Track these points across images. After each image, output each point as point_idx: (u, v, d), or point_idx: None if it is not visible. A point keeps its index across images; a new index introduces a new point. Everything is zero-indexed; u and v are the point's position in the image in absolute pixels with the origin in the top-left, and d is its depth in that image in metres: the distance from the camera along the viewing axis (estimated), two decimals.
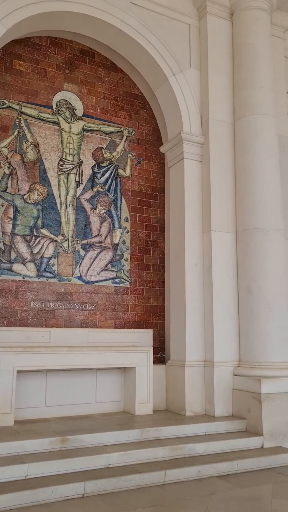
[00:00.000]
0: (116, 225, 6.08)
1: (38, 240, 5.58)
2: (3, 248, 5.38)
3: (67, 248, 5.73)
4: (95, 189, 6.01)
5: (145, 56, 5.86)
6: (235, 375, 5.27)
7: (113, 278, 5.95)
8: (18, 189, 5.56)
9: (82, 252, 5.81)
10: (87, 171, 6.01)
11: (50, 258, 5.62)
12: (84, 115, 6.09)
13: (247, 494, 3.70)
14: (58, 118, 5.92)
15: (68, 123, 5.97)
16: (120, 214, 6.13)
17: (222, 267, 5.52)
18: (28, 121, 5.73)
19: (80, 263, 5.78)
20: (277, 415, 4.81)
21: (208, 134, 5.77)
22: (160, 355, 6.07)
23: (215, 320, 5.36)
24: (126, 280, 6.02)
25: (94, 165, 6.07)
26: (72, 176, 5.90)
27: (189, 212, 5.68)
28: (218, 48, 6.01)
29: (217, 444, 4.50)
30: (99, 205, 6.00)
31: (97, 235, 5.94)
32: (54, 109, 5.92)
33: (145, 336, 5.91)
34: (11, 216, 5.48)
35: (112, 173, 6.17)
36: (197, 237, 5.68)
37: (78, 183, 5.92)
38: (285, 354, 5.19)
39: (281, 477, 4.13)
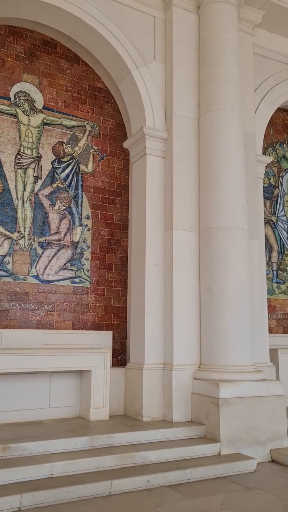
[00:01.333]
0: (77, 223, 5.85)
1: None
2: None
3: (23, 246, 5.48)
4: (54, 185, 5.78)
5: (108, 48, 5.65)
6: (195, 378, 5.08)
7: (72, 278, 5.72)
8: None
9: (40, 250, 5.57)
10: (46, 166, 5.77)
11: (4, 256, 5.36)
12: (44, 107, 5.86)
13: (196, 505, 3.50)
14: (16, 110, 5.67)
15: (27, 115, 5.73)
16: (81, 211, 5.91)
17: (183, 266, 5.33)
18: None
19: (37, 262, 5.54)
20: (236, 421, 4.63)
21: (171, 129, 5.59)
22: (121, 357, 5.86)
23: (175, 321, 5.17)
24: (86, 279, 5.80)
25: (54, 160, 5.84)
26: (30, 171, 5.65)
27: (151, 210, 5.48)
28: (183, 41, 5.84)
29: (171, 451, 4.30)
30: (58, 201, 5.77)
31: (56, 232, 5.71)
32: (12, 100, 5.67)
33: (105, 338, 5.69)
34: None
35: (74, 169, 5.94)
36: (158, 235, 5.48)
37: (36, 178, 5.68)
38: (246, 357, 5.02)
39: (234, 486, 3.95)
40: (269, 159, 6.43)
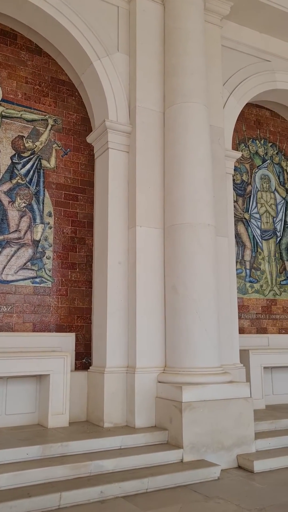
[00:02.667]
0: (38, 220, 5.60)
1: None
2: None
3: None
4: (14, 181, 5.52)
5: (68, 39, 5.43)
6: (159, 382, 4.86)
7: (33, 278, 5.46)
8: None
9: None
10: (5, 161, 5.51)
11: None
12: (3, 100, 5.60)
13: None
14: None
15: None
16: (43, 209, 5.66)
17: (148, 265, 5.12)
18: None
19: None
20: (200, 426, 4.42)
21: (135, 122, 5.38)
22: (86, 360, 5.61)
23: (138, 322, 4.95)
24: (47, 279, 5.55)
25: (14, 155, 5.58)
26: None
27: (113, 206, 5.26)
28: (148, 32, 5.64)
29: (130, 459, 4.06)
30: (18, 198, 5.51)
31: (16, 230, 5.45)
32: None
33: (67, 340, 5.45)
34: None
35: (35, 164, 5.70)
36: (122, 233, 5.26)
37: None
38: (212, 359, 4.82)
39: (194, 495, 3.73)
40: (238, 154, 6.25)
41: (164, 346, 5.04)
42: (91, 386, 5.11)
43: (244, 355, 6.14)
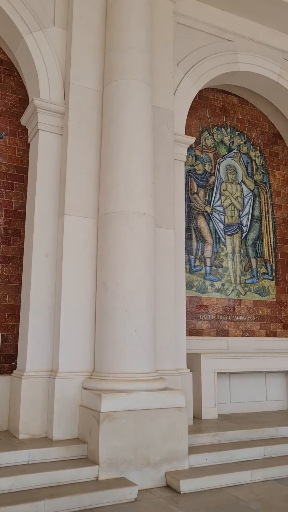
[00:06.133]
0: None
1: None
2: None
3: None
4: None
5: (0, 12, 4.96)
6: (84, 388, 4.35)
7: None
8: None
9: None
10: None
11: None
12: None
13: None
14: None
15: None
16: None
17: (77, 258, 4.62)
18: None
19: None
20: (121, 439, 3.90)
21: (69, 102, 4.89)
22: (15, 363, 5.12)
23: (63, 322, 4.45)
24: None
25: None
26: None
27: (42, 194, 4.77)
28: (88, 5, 5.15)
29: (33, 477, 3.56)
30: None
31: None
32: None
33: None
34: None
35: None
36: (51, 223, 4.77)
37: None
38: (142, 363, 4.29)
39: None
40: (191, 140, 5.71)
41: (94, 349, 4.54)
42: (13, 392, 4.61)
43: (196, 360, 5.62)
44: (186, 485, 3.85)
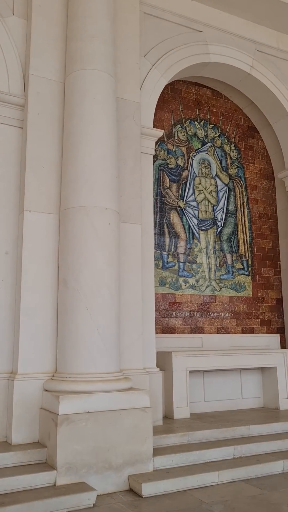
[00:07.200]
0: None
1: None
2: None
3: None
4: None
5: None
6: (45, 390, 4.19)
7: None
8: None
9: None
10: None
11: None
12: None
13: None
14: None
15: None
16: None
17: (38, 255, 4.46)
18: None
19: None
20: (81, 442, 3.74)
21: (29, 94, 4.72)
22: None
23: (22, 321, 4.29)
24: None
25: None
26: None
27: (1, 189, 4.61)
28: None
29: None
30: None
31: None
32: None
33: None
34: None
35: None
36: (12, 219, 4.60)
37: None
38: (105, 363, 4.14)
39: None
40: (159, 133, 5.57)
41: (56, 349, 4.38)
42: None
43: (167, 358, 5.48)
44: (148, 489, 3.71)
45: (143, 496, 3.68)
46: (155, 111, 6.45)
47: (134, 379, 4.61)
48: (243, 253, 6.90)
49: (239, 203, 7.04)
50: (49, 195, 4.61)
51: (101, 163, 4.48)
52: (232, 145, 7.19)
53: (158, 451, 4.19)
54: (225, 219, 6.85)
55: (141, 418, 4.04)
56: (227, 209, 6.91)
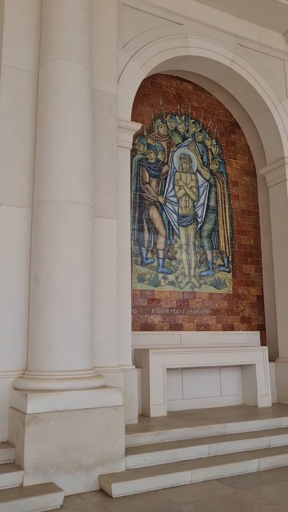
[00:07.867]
0: None
1: None
2: None
3: None
4: None
5: None
6: (15, 388, 4.08)
7: None
8: None
9: None
10: None
11: None
12: None
13: None
14: None
15: None
16: None
17: (8, 250, 4.34)
18: None
19: None
20: (49, 442, 3.64)
21: (1, 84, 4.59)
22: None
23: None
24: None
25: None
26: None
27: None
28: None
29: None
30: None
31: None
32: None
33: None
34: None
35: None
36: None
37: None
38: (76, 360, 4.04)
39: None
40: (137, 126, 5.47)
41: (27, 346, 4.27)
42: None
43: (144, 355, 5.40)
44: (119, 489, 3.63)
45: (113, 497, 3.60)
46: (134, 105, 6.38)
47: (108, 377, 4.52)
48: (224, 250, 6.84)
49: (220, 199, 6.97)
50: (22, 188, 4.49)
51: (75, 156, 4.37)
52: (214, 140, 7.12)
53: (131, 450, 4.11)
54: (205, 215, 6.78)
55: (113, 416, 3.95)
56: (208, 205, 6.84)
